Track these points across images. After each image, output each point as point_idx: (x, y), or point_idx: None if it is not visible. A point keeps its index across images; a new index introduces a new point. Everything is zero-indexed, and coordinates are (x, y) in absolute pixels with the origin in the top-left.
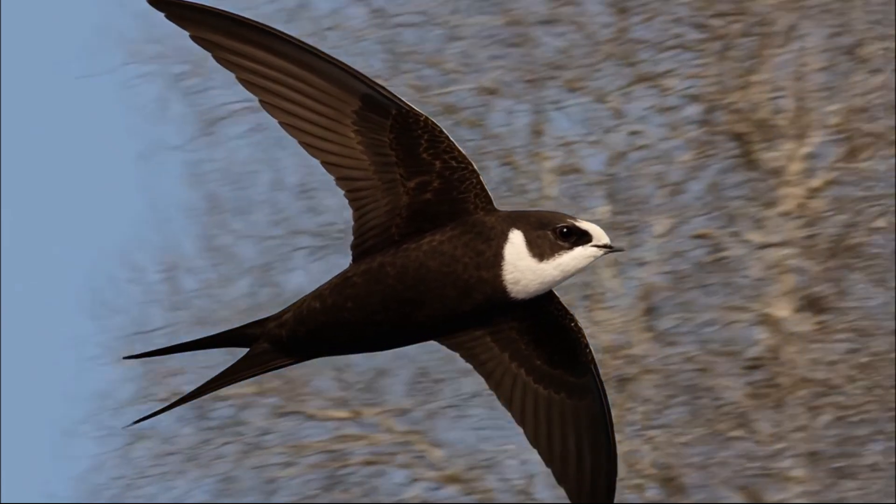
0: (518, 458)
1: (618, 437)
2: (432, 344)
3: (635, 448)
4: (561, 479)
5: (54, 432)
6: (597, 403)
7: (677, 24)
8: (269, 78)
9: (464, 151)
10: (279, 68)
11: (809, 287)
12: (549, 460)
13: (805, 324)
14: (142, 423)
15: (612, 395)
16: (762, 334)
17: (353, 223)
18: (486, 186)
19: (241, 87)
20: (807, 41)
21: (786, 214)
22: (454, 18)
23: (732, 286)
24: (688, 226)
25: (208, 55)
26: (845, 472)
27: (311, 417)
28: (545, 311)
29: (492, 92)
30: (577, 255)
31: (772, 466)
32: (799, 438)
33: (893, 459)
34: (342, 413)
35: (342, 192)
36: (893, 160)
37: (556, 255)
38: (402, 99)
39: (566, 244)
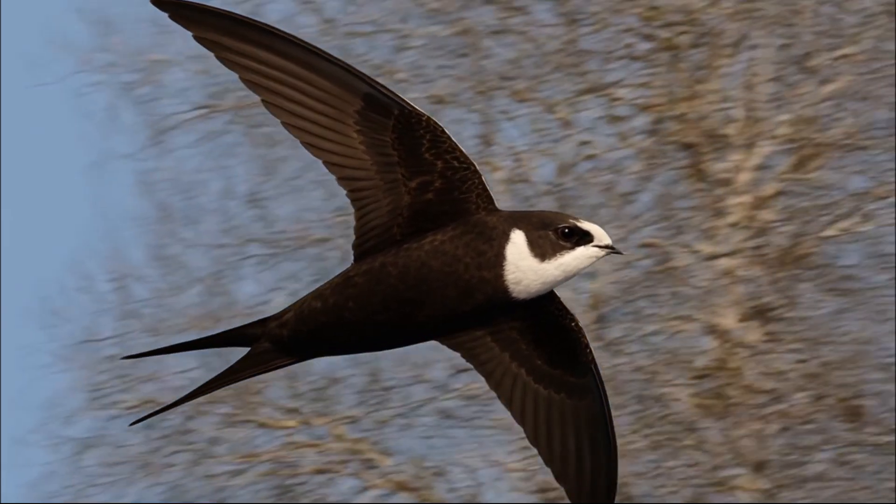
0: (465, 466)
1: None
2: (384, 352)
3: None
4: (561, 478)
5: (5, 441)
6: (597, 403)
7: (626, 35)
8: (271, 78)
9: (465, 152)
10: (282, 68)
11: (758, 297)
12: (548, 460)
13: (753, 333)
14: (87, 432)
15: None
16: (711, 344)
17: (354, 223)
18: (487, 187)
19: (191, 96)
20: (756, 52)
21: (735, 225)
22: (404, 28)
23: (681, 296)
24: (637, 235)
25: (159, 64)
26: (793, 481)
27: (261, 426)
28: (546, 311)
29: (441, 101)
30: (579, 256)
31: (720, 475)
32: (747, 447)
33: (841, 467)
34: (292, 422)
35: (344, 192)
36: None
37: (558, 255)
38: (405, 99)
39: (568, 244)
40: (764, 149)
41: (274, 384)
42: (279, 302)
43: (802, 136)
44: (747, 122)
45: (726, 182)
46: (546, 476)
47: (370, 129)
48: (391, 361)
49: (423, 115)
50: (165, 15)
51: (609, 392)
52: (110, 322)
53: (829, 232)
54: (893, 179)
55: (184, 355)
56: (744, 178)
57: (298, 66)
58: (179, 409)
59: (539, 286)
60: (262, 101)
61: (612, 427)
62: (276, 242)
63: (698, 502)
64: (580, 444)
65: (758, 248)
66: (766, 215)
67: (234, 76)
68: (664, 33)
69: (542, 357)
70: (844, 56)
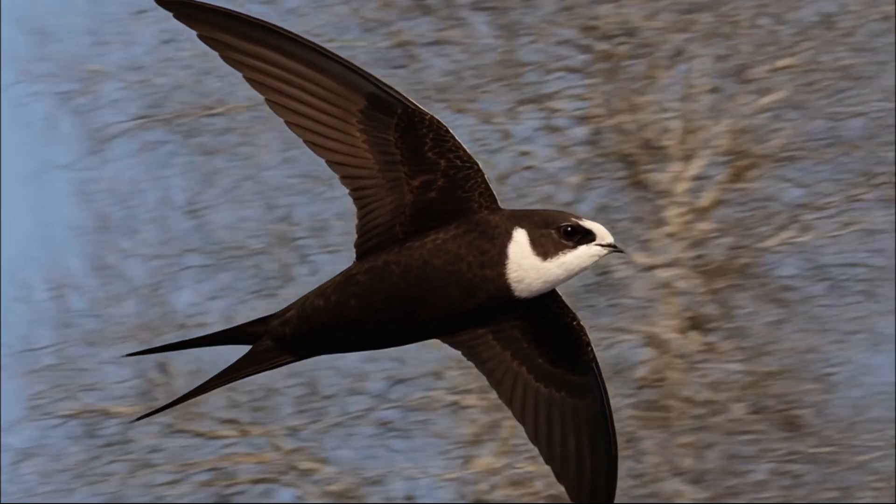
0: (403, 476)
1: (510, 458)
2: (322, 360)
3: (524, 468)
4: (561, 477)
5: None
6: (597, 403)
7: (564, 46)
8: (275, 77)
9: (468, 151)
10: (286, 67)
11: (696, 308)
12: (548, 459)
13: (691, 344)
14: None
15: (497, 417)
16: (648, 355)
17: (356, 221)
18: (490, 186)
19: (128, 106)
20: (694, 63)
21: (672, 235)
22: (342, 39)
23: (619, 307)
24: None
25: (97, 75)
26: (731, 492)
27: (199, 435)
28: (548, 309)
29: None
30: (581, 254)
31: (659, 487)
32: (686, 458)
33: (780, 477)
34: (231, 431)
35: (347, 191)
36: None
37: (560, 254)
38: (408, 98)
39: (570, 243)
40: (702, 160)
41: (212, 395)
42: (217, 312)
43: (740, 148)
44: (685, 133)
45: (664, 193)
46: (482, 487)
47: (373, 127)
48: (329, 371)
49: (427, 113)
50: (104, 25)
51: None
52: (48, 332)
53: (768, 243)
54: (831, 191)
55: (123, 361)
56: (682, 188)
57: (302, 66)
58: (118, 418)
59: (541, 285)
60: (266, 100)
61: (613, 426)
62: (214, 253)
63: None
64: (580, 444)
65: (696, 258)
66: (704, 226)
67: (171, 88)
68: (602, 45)
69: (544, 356)
70: (782, 67)
